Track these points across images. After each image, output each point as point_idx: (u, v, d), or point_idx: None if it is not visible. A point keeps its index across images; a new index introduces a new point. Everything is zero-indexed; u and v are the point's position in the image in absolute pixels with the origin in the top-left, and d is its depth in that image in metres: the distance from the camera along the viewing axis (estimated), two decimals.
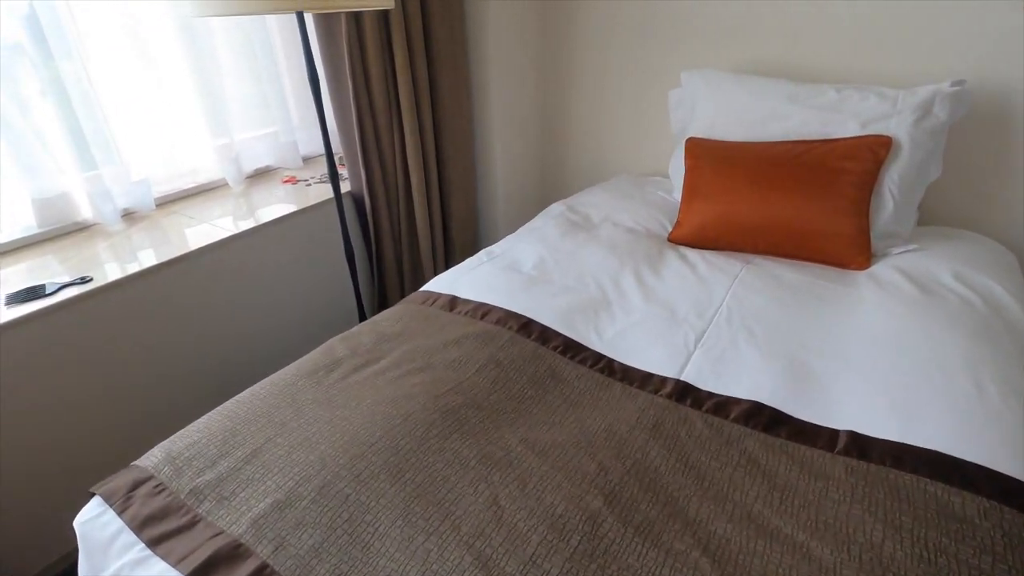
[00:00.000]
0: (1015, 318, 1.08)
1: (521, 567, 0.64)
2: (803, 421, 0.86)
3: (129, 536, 0.73)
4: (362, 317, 1.60)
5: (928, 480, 0.73)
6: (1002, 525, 0.67)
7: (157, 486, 0.78)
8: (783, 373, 0.96)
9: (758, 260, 1.35)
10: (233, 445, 0.84)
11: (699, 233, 1.41)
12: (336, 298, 1.79)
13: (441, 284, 1.29)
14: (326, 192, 1.69)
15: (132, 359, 1.30)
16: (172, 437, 0.88)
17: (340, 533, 0.70)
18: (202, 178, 1.70)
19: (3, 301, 1.15)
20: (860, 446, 0.80)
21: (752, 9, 1.62)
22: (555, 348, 1.05)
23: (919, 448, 0.78)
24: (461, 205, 1.96)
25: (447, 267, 2.04)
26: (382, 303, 1.93)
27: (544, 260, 1.36)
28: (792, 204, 1.31)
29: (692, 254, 1.38)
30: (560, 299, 1.19)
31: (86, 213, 1.45)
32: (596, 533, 0.68)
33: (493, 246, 1.47)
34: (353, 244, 1.77)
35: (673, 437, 0.84)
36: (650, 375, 0.98)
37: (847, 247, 1.29)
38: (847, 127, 1.36)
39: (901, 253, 1.32)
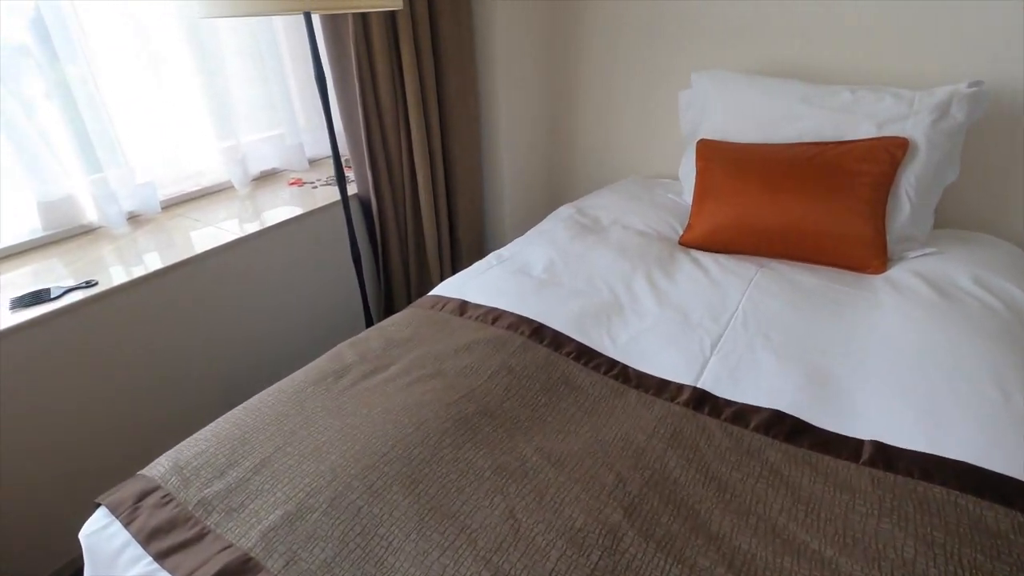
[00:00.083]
0: None
1: None
2: (825, 430, 0.83)
3: (136, 549, 0.71)
4: (368, 320, 1.59)
5: (959, 493, 0.71)
6: None
7: (164, 496, 0.77)
8: (803, 380, 0.94)
9: (772, 264, 1.32)
10: (242, 454, 0.82)
11: (711, 236, 1.39)
12: (342, 301, 1.77)
13: (450, 288, 1.27)
14: (332, 195, 1.67)
15: (137, 363, 1.29)
16: (179, 445, 0.86)
17: (353, 547, 0.68)
18: (207, 180, 1.68)
19: (8, 305, 1.13)
20: (886, 457, 0.77)
21: (761, 9, 1.60)
22: (568, 354, 1.03)
23: (948, 459, 0.76)
24: (468, 206, 1.94)
25: (454, 269, 2.02)
26: (388, 306, 1.91)
27: (554, 263, 1.34)
28: (807, 207, 1.29)
29: (704, 257, 1.36)
30: (571, 303, 1.17)
31: (91, 216, 1.43)
32: (617, 548, 0.66)
33: (502, 249, 1.45)
34: (359, 247, 1.75)
35: (692, 447, 0.81)
36: (666, 382, 0.96)
37: (863, 250, 1.27)
38: (862, 128, 1.33)
39: (918, 257, 1.29)
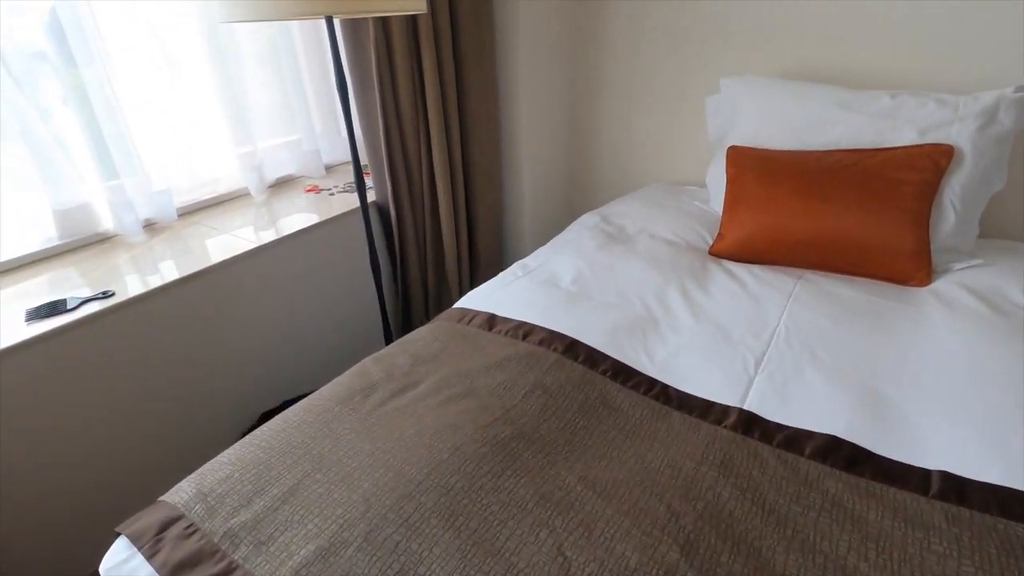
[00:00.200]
0: None
1: None
2: (888, 459, 0.78)
3: None
4: (387, 330, 1.55)
5: None
6: None
7: (188, 527, 0.72)
8: (856, 402, 0.88)
9: (811, 276, 1.27)
10: (268, 480, 0.78)
11: (744, 246, 1.34)
12: (360, 312, 1.73)
13: (476, 300, 1.23)
14: (349, 202, 1.64)
15: (154, 375, 1.25)
16: (202, 469, 0.82)
17: None
18: (223, 187, 1.65)
19: (24, 317, 1.10)
20: (957, 489, 0.72)
21: (791, 12, 1.55)
22: (604, 372, 0.98)
23: None
24: (487, 213, 1.90)
25: (472, 277, 1.98)
26: (406, 315, 1.87)
27: (582, 274, 1.30)
28: (846, 216, 1.24)
29: (739, 269, 1.31)
30: (604, 317, 1.13)
31: (107, 224, 1.40)
32: None
33: (527, 259, 1.41)
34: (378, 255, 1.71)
35: (745, 476, 0.77)
36: (710, 403, 0.91)
37: (907, 262, 1.21)
38: (903, 135, 1.28)
39: (964, 268, 1.24)
